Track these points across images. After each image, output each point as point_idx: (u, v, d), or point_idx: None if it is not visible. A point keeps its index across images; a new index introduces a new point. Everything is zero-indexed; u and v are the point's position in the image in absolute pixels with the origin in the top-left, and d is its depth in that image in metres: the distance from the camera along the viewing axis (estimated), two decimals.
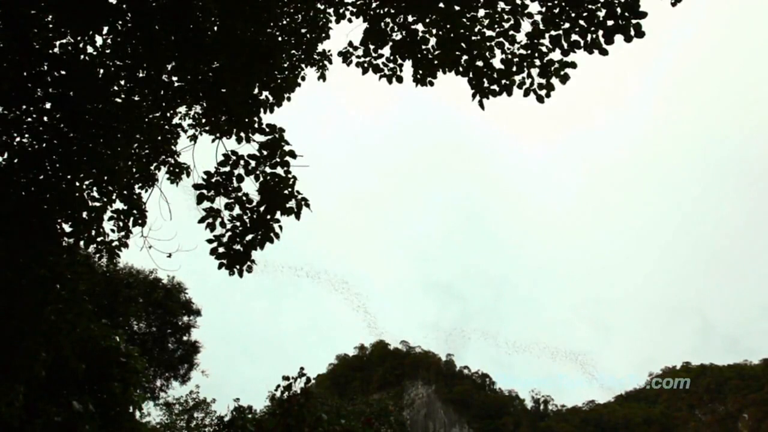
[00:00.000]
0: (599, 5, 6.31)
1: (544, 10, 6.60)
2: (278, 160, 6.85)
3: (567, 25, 6.50)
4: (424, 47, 7.46)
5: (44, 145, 6.89)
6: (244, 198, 6.85)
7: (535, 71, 6.92)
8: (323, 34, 9.05)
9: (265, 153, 6.85)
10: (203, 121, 8.70)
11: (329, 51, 9.57)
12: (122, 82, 7.32)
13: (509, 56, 6.99)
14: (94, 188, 7.75)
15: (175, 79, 7.49)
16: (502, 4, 6.92)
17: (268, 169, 6.86)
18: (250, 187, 6.88)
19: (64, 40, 6.91)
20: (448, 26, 7.13)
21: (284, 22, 8.73)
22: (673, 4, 6.72)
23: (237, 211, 6.84)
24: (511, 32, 6.95)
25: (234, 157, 6.87)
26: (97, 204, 7.86)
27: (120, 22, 6.92)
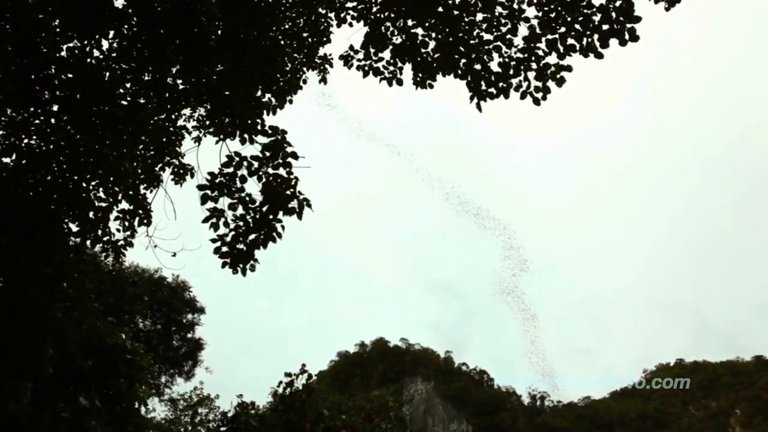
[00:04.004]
0: (594, 10, 6.40)
1: (540, 14, 6.69)
2: (280, 161, 6.96)
3: (563, 29, 6.57)
4: (423, 51, 7.53)
5: (51, 146, 7.02)
6: (247, 198, 6.96)
7: (531, 74, 6.96)
8: (324, 38, 9.06)
9: (267, 154, 6.96)
10: (207, 123, 8.79)
11: (330, 54, 9.60)
12: (128, 85, 7.42)
13: (506, 60, 7.06)
14: (100, 189, 7.87)
15: (179, 81, 7.59)
16: (499, 9, 7.01)
17: (270, 170, 6.96)
18: (253, 187, 6.99)
19: (70, 44, 7.01)
20: (447, 30, 7.22)
21: (286, 26, 8.77)
22: (667, 9, 6.84)
23: (240, 211, 6.95)
24: (508, 36, 7.02)
25: (237, 159, 6.98)
26: (103, 204, 7.99)
27: (125, 26, 7.03)
